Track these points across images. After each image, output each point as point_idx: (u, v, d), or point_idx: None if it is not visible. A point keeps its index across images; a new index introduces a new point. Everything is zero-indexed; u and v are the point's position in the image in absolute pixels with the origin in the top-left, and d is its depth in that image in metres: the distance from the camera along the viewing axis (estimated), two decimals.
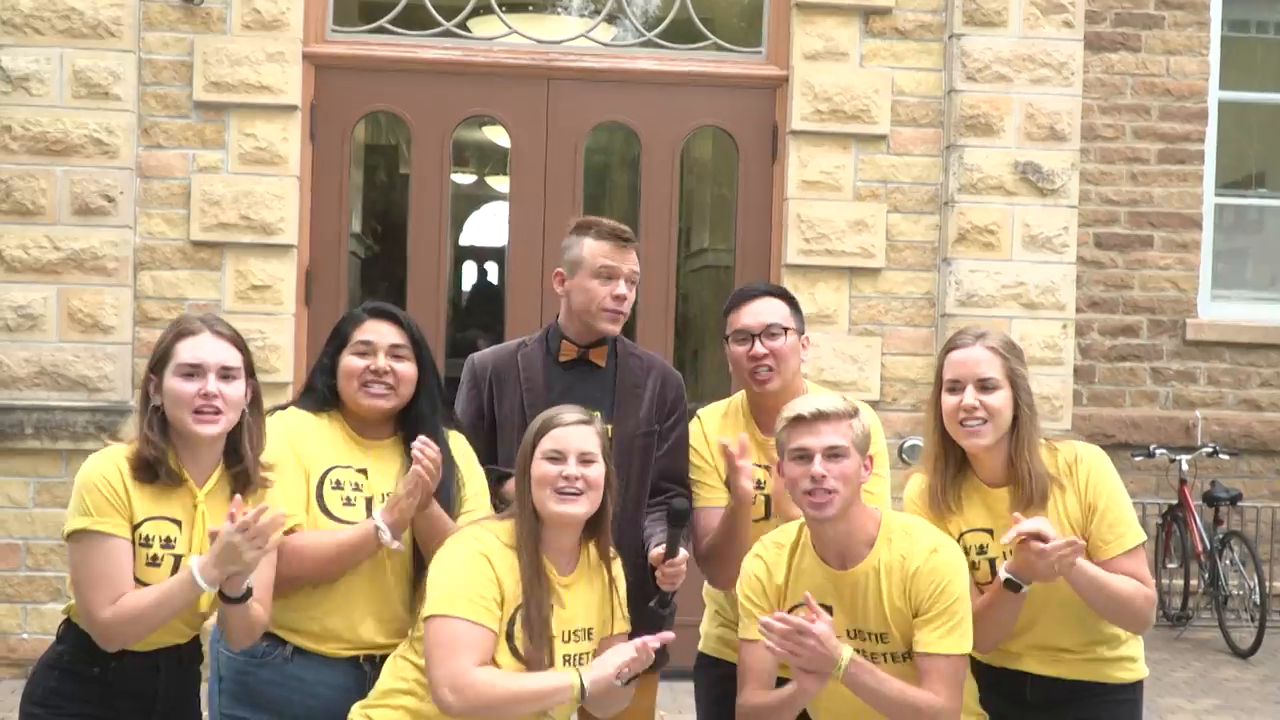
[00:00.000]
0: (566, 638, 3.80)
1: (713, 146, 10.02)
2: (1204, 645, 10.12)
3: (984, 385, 3.97)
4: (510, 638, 3.73)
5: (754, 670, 3.90)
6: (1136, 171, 11.04)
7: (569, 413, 3.90)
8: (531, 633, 3.73)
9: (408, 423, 4.08)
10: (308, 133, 8.29)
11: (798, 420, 3.81)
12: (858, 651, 3.78)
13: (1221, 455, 10.52)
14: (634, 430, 4.40)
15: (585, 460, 3.82)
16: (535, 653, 3.73)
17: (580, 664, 3.81)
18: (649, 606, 4.10)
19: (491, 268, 18.14)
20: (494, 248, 16.50)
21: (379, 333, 4.06)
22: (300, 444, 3.99)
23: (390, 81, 8.53)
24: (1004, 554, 3.95)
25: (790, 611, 3.82)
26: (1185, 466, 10.39)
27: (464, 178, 14.66)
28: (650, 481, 4.40)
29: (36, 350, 7.93)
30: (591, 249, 4.43)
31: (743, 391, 4.49)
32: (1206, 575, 10.19)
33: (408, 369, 4.05)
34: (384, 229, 11.85)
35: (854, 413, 3.84)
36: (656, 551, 4.09)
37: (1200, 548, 10.22)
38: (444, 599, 3.70)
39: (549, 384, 4.40)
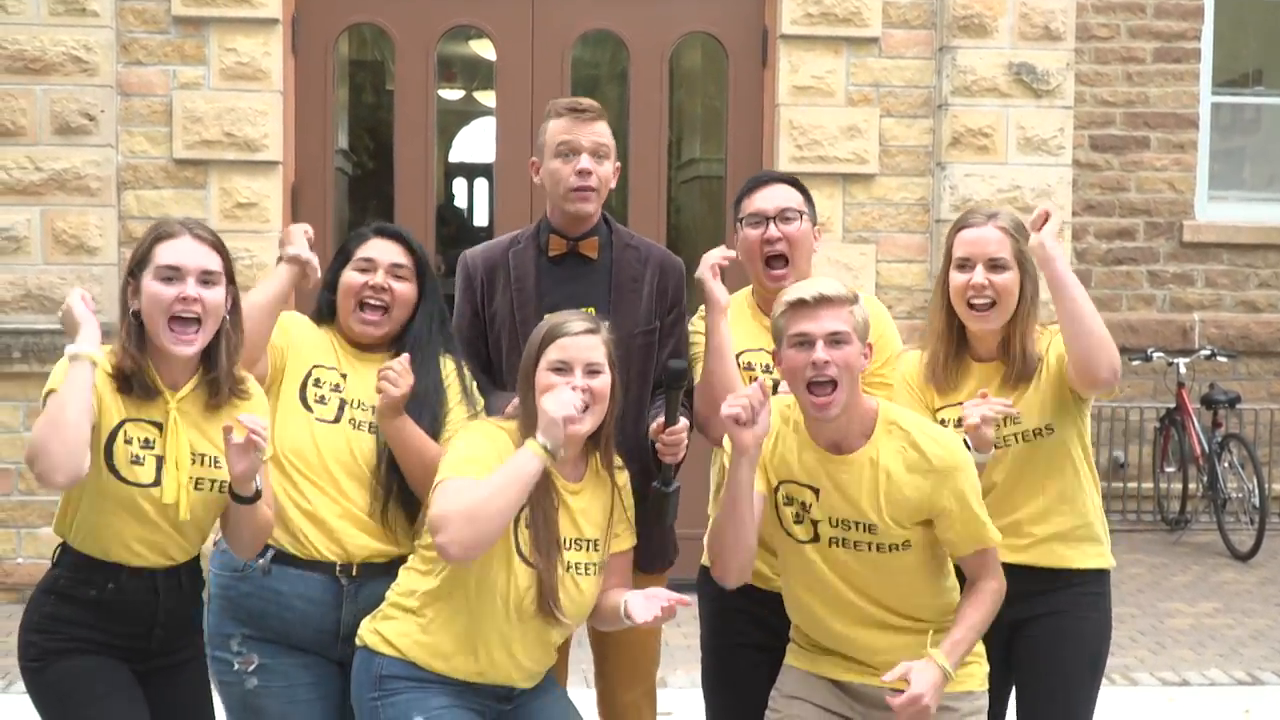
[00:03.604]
0: (569, 545, 3.73)
1: (702, 55, 9.90)
2: (1203, 548, 10.12)
3: (994, 265, 3.95)
4: (517, 545, 3.66)
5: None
6: (1132, 71, 10.94)
7: (575, 321, 3.78)
8: (538, 539, 3.66)
9: (402, 343, 4.02)
10: (289, 46, 8.17)
11: (798, 304, 3.67)
12: (839, 541, 3.75)
13: (1219, 358, 10.49)
14: (632, 329, 4.25)
15: (592, 371, 3.72)
16: (542, 560, 3.66)
17: (584, 573, 3.76)
18: (653, 486, 4.02)
19: (481, 184, 18.06)
20: (484, 164, 16.40)
21: (382, 250, 4.02)
22: (294, 335, 4.00)
23: None
24: None
25: (778, 488, 3.80)
26: (1183, 370, 10.36)
27: (452, 93, 14.51)
28: (654, 381, 4.29)
29: (21, 273, 7.87)
30: (551, 128, 4.29)
31: (748, 287, 4.41)
32: (1205, 478, 10.18)
33: (406, 289, 4.00)
34: (373, 146, 11.74)
35: (855, 299, 3.72)
36: (656, 423, 4.01)
37: (1199, 451, 10.20)
38: (451, 465, 3.65)
39: (539, 281, 4.28)
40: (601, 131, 4.29)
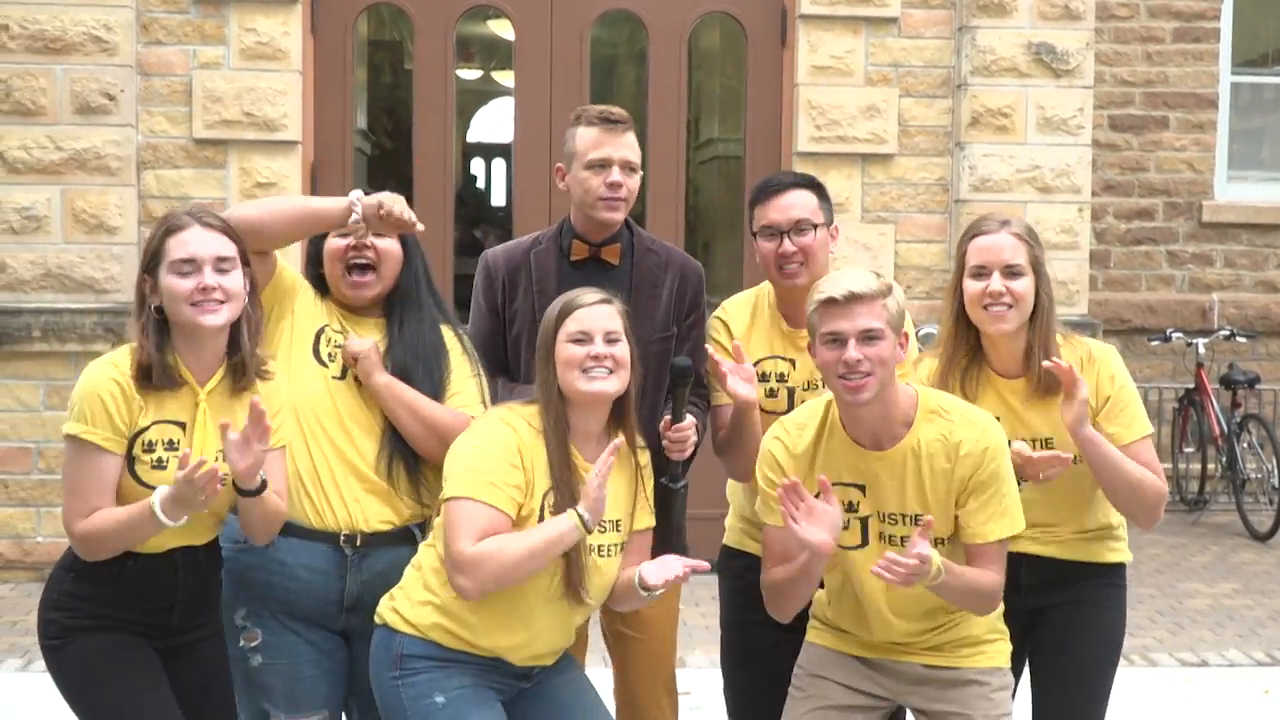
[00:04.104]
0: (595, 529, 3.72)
1: (720, 36, 9.89)
2: (1222, 529, 10.11)
3: (1010, 271, 3.91)
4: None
5: (777, 550, 3.84)
6: (1151, 51, 10.88)
7: (589, 293, 3.79)
8: None
9: (392, 302, 4.02)
10: (309, 26, 8.17)
11: (829, 303, 3.63)
12: (888, 537, 3.72)
13: (1238, 338, 10.46)
14: (650, 335, 4.25)
15: (611, 339, 3.72)
16: (572, 548, 3.65)
17: (607, 555, 3.76)
18: (660, 483, 4.01)
19: (499, 164, 18.04)
20: (501, 144, 16.39)
21: None
22: (302, 289, 4.01)
23: None
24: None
25: (819, 495, 3.74)
26: (1202, 350, 10.33)
27: (469, 73, 14.49)
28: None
29: (42, 252, 7.89)
30: (582, 139, 4.27)
31: (768, 283, 4.38)
32: (1224, 459, 10.16)
33: (390, 245, 3.97)
34: (391, 126, 11.74)
35: (888, 291, 3.67)
36: (664, 420, 4.00)
37: (1218, 431, 10.19)
38: (461, 481, 3.63)
39: (560, 285, 4.24)
40: (632, 144, 4.29)
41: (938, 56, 8.38)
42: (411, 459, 3.94)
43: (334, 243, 3.96)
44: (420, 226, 3.89)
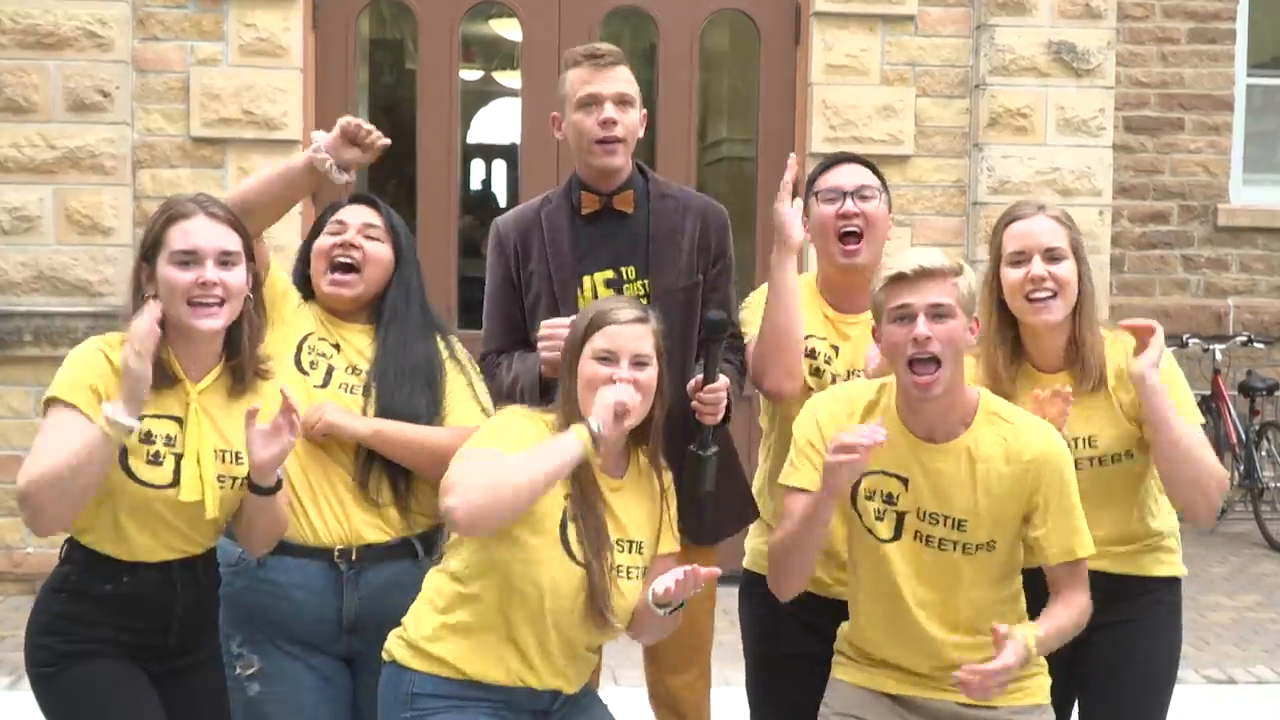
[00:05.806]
0: (615, 546, 3.53)
1: (729, 36, 9.73)
2: (1240, 539, 9.94)
3: (1051, 255, 3.73)
4: (565, 542, 3.46)
5: (796, 517, 3.62)
6: (1167, 52, 10.72)
7: (624, 309, 3.57)
8: (586, 536, 3.47)
9: (381, 311, 3.86)
10: (310, 22, 8.00)
11: (899, 278, 3.45)
12: (924, 537, 3.54)
13: (1256, 344, 10.29)
14: (673, 284, 4.05)
15: (638, 363, 3.52)
16: (593, 558, 3.46)
17: (629, 577, 3.55)
18: (689, 450, 3.81)
19: (500, 166, 17.91)
20: (502, 145, 16.24)
21: (354, 213, 3.86)
22: (290, 295, 3.86)
23: None
24: None
25: (859, 482, 3.56)
26: (1219, 356, 10.17)
27: (470, 74, 14.31)
28: (698, 339, 4.03)
29: (34, 254, 7.70)
30: (571, 79, 4.06)
31: (811, 272, 4.18)
32: (1242, 467, 9.99)
33: (379, 250, 3.82)
34: (392, 127, 11.55)
35: (959, 270, 3.51)
36: (694, 380, 3.81)
37: (1235, 439, 10.04)
38: (480, 440, 3.48)
39: (575, 242, 4.07)
40: (625, 77, 4.06)
41: (955, 55, 8.23)
42: (394, 471, 3.76)
43: (322, 241, 3.83)
44: (385, 140, 3.70)
